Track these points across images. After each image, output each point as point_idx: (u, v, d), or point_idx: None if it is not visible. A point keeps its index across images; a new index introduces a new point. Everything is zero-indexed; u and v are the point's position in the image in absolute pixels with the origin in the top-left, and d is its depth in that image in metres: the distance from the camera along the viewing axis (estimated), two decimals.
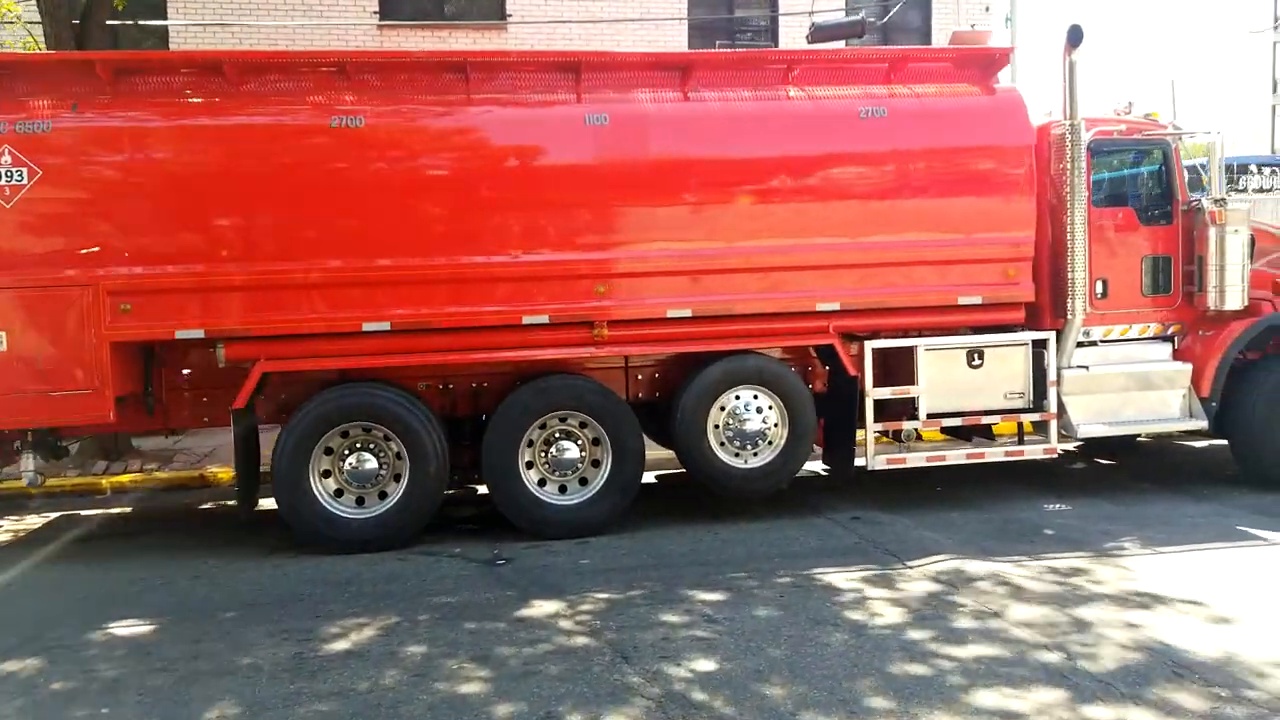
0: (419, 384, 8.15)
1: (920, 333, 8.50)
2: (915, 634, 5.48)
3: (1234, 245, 8.65)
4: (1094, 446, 10.42)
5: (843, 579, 6.52)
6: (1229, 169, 23.67)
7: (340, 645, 5.52)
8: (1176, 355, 8.94)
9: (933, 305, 8.29)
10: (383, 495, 7.69)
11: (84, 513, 9.24)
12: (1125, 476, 9.71)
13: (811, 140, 8.10)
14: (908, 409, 8.45)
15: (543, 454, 7.91)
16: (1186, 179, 8.92)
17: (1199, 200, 8.69)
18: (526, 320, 7.73)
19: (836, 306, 8.12)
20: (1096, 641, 5.33)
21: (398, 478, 7.65)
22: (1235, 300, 8.68)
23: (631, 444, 7.91)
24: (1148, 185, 9.06)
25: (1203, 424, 8.71)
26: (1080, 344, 8.75)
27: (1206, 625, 5.55)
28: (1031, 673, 4.95)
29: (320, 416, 7.53)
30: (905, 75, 8.41)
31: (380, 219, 7.51)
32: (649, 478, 9.53)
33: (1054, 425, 8.54)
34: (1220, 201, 8.60)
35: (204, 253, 7.37)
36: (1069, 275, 8.48)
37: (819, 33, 11.79)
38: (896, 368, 8.48)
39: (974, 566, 6.73)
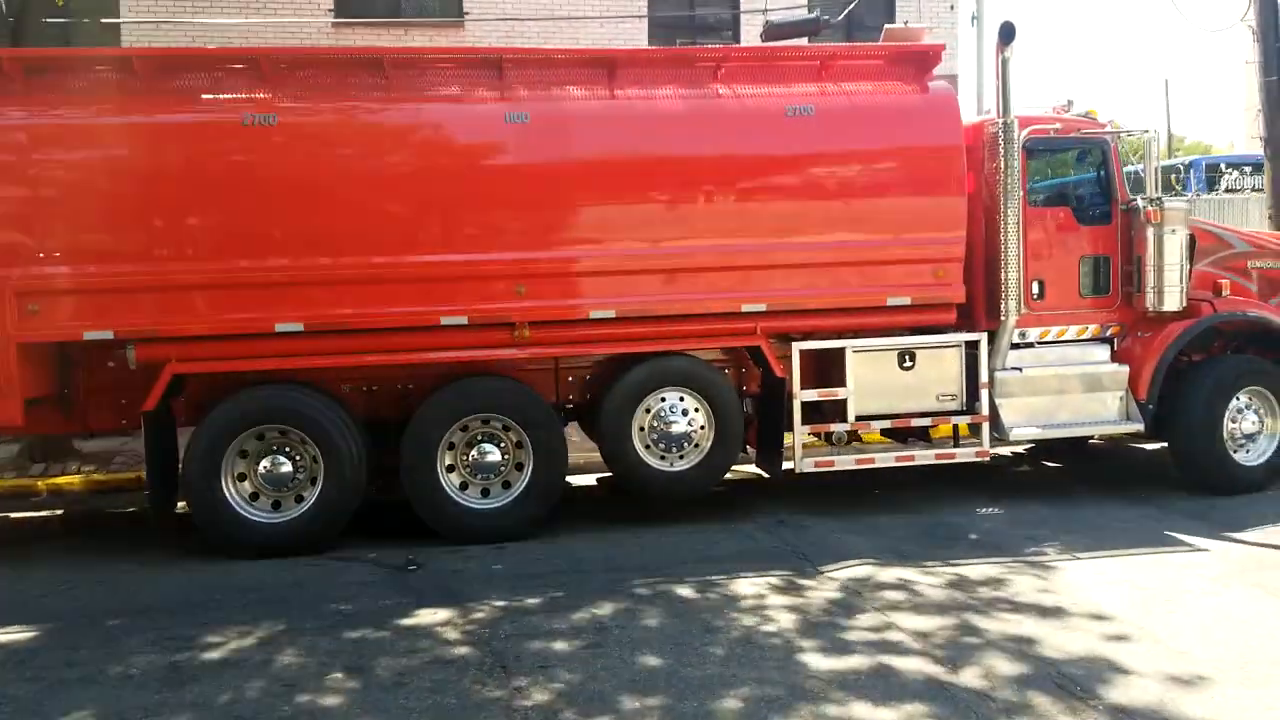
0: (343, 386, 8.06)
1: (856, 334, 8.37)
2: (803, 643, 5.37)
3: (1172, 245, 8.52)
4: (1042, 449, 10.32)
5: (750, 585, 6.41)
6: (1215, 169, 23.66)
7: (217, 654, 5.42)
8: (1116, 357, 8.82)
9: (861, 306, 8.17)
10: (299, 499, 7.59)
11: (15, 515, 9.15)
12: (1067, 479, 9.59)
13: (735, 139, 7.97)
14: (842, 411, 8.34)
15: (464, 457, 7.81)
16: (1126, 178, 8.80)
17: (1136, 200, 8.56)
18: (444, 321, 7.61)
19: (763, 308, 8.00)
20: (984, 653, 5.21)
21: (314, 481, 7.55)
22: (1174, 301, 8.54)
23: (554, 447, 7.79)
24: (1087, 185, 8.93)
25: (1139, 427, 8.59)
26: (1016, 345, 8.63)
27: (1101, 639, 5.41)
28: (907, 685, 4.83)
29: (232, 419, 7.43)
30: (837, 73, 8.29)
31: (292, 218, 7.42)
32: (590, 480, 9.47)
33: (986, 428, 8.42)
34: (1155, 201, 8.47)
35: (113, 253, 7.28)
36: (1002, 276, 8.37)
37: (773, 30, 11.64)
38: (830, 369, 8.37)
39: (886, 573, 6.61)
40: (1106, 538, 7.37)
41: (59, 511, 9.31)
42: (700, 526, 7.90)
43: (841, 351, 8.24)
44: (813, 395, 8.23)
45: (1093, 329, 8.81)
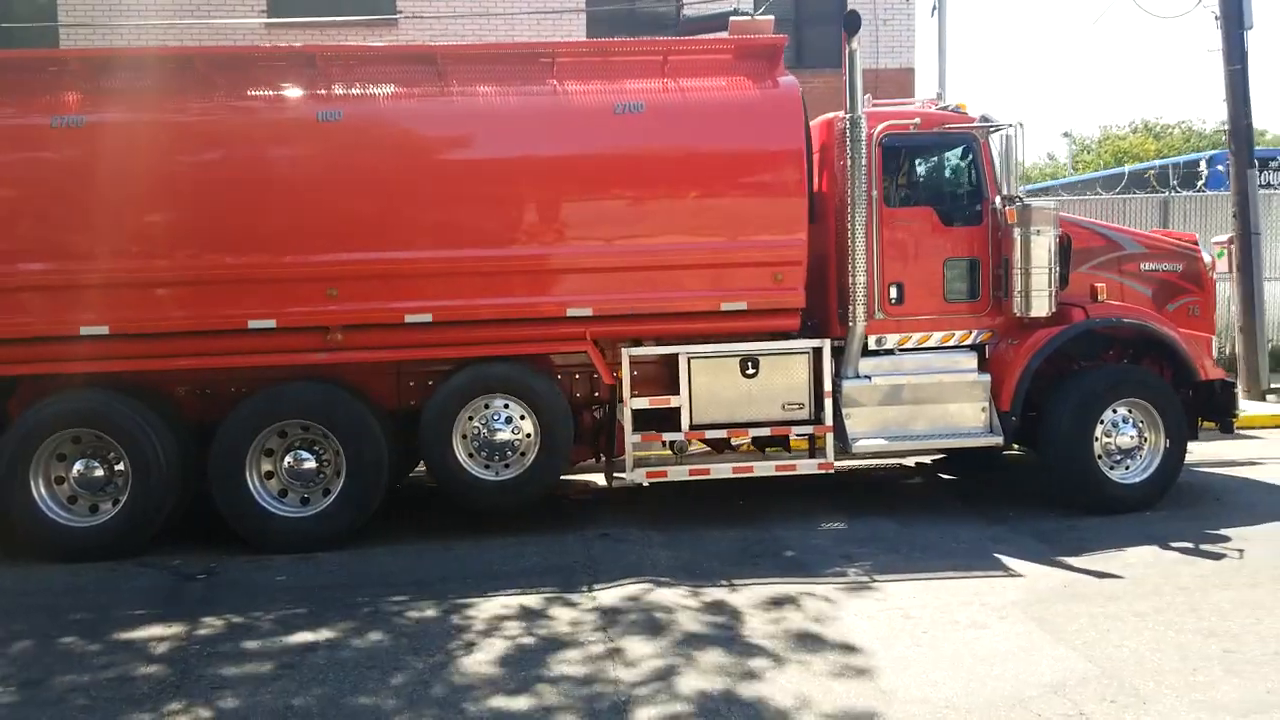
0: (179, 389, 8.01)
1: (708, 339, 8.01)
2: (490, 671, 5.11)
3: (1039, 247, 8.00)
4: (953, 461, 9.77)
5: (511, 603, 6.15)
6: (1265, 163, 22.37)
7: None
8: (987, 365, 8.32)
9: (695, 312, 7.83)
10: (117, 502, 7.55)
11: None
12: (943, 494, 9.12)
13: (558, 137, 7.69)
14: (682, 419, 8.00)
15: (282, 464, 7.68)
16: (1000, 175, 8.27)
17: (994, 200, 8.04)
18: (252, 325, 7.49)
19: (589, 312, 7.71)
20: (678, 691, 4.86)
21: (126, 485, 7.49)
22: (1041, 307, 8.03)
23: (369, 455, 7.61)
24: (953, 184, 8.44)
25: (999, 440, 8.08)
26: (874, 352, 8.21)
27: (825, 675, 5.01)
28: None
29: (39, 423, 7.42)
30: (680, 68, 7.95)
31: (97, 220, 7.35)
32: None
33: (830, 439, 8.01)
34: (1012, 199, 7.95)
35: None
36: (850, 280, 7.96)
37: (687, 25, 11.34)
38: (671, 377, 8.04)
39: (659, 593, 6.29)
40: (928, 558, 6.93)
41: None
42: (522, 538, 7.65)
43: (676, 358, 7.92)
44: (644, 403, 7.92)
45: (960, 335, 8.32)
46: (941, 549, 7.17)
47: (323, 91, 7.60)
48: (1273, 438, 11.20)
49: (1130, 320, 8.18)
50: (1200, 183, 20.55)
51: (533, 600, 6.22)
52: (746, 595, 6.23)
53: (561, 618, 5.89)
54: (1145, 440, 8.14)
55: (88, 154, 7.36)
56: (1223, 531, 7.34)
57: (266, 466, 7.69)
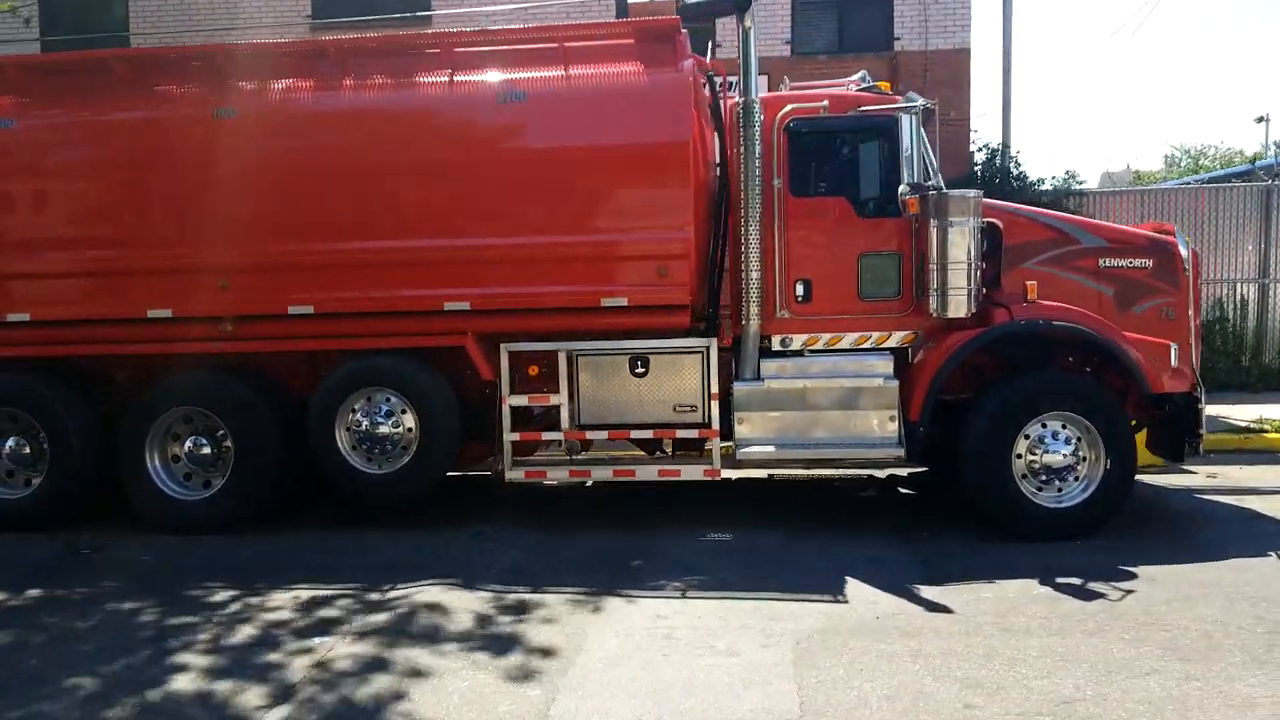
0: (119, 374, 8.48)
1: (604, 336, 7.70)
2: (183, 659, 5.13)
3: (957, 241, 7.23)
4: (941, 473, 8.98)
5: (301, 597, 6.15)
6: None
7: None
8: (906, 370, 7.61)
9: (578, 307, 7.54)
10: (28, 483, 8.11)
11: None
12: (882, 509, 8.42)
13: (440, 129, 7.60)
14: (572, 417, 7.75)
15: (185, 448, 7.99)
16: (927, 163, 7.53)
17: (904, 188, 7.29)
18: (151, 314, 7.81)
19: (466, 307, 7.58)
20: (330, 692, 4.73)
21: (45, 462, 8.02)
22: (960, 307, 7.27)
23: (252, 443, 7.80)
24: (870, 172, 7.70)
25: (899, 453, 7.35)
26: (780, 354, 7.67)
27: (499, 693, 4.73)
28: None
29: None
30: (578, 55, 7.67)
31: (8, 218, 7.89)
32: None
33: (716, 444, 7.53)
34: (917, 188, 7.20)
35: None
36: (743, 276, 7.47)
37: (688, 10, 10.93)
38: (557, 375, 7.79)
39: (452, 596, 6.12)
40: (768, 578, 6.35)
41: None
42: (395, 533, 7.63)
43: (555, 354, 7.67)
44: (522, 400, 7.72)
45: (878, 337, 7.64)
46: (799, 567, 6.59)
47: (218, 88, 7.82)
48: None
49: (1061, 323, 7.23)
50: None
51: (322, 595, 6.18)
52: (536, 602, 5.95)
53: (322, 615, 5.84)
54: (1083, 459, 7.20)
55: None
56: (1138, 569, 6.36)
57: (174, 450, 8.02)
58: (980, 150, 14.03)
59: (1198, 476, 9.21)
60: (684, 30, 7.66)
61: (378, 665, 5.09)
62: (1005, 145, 14.11)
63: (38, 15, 14.48)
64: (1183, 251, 7.66)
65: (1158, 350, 7.24)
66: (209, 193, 7.70)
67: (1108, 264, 7.63)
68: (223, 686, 4.86)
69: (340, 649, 5.32)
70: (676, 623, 5.57)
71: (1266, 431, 10.53)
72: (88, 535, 7.80)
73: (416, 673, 4.98)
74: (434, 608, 5.91)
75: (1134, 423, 7.93)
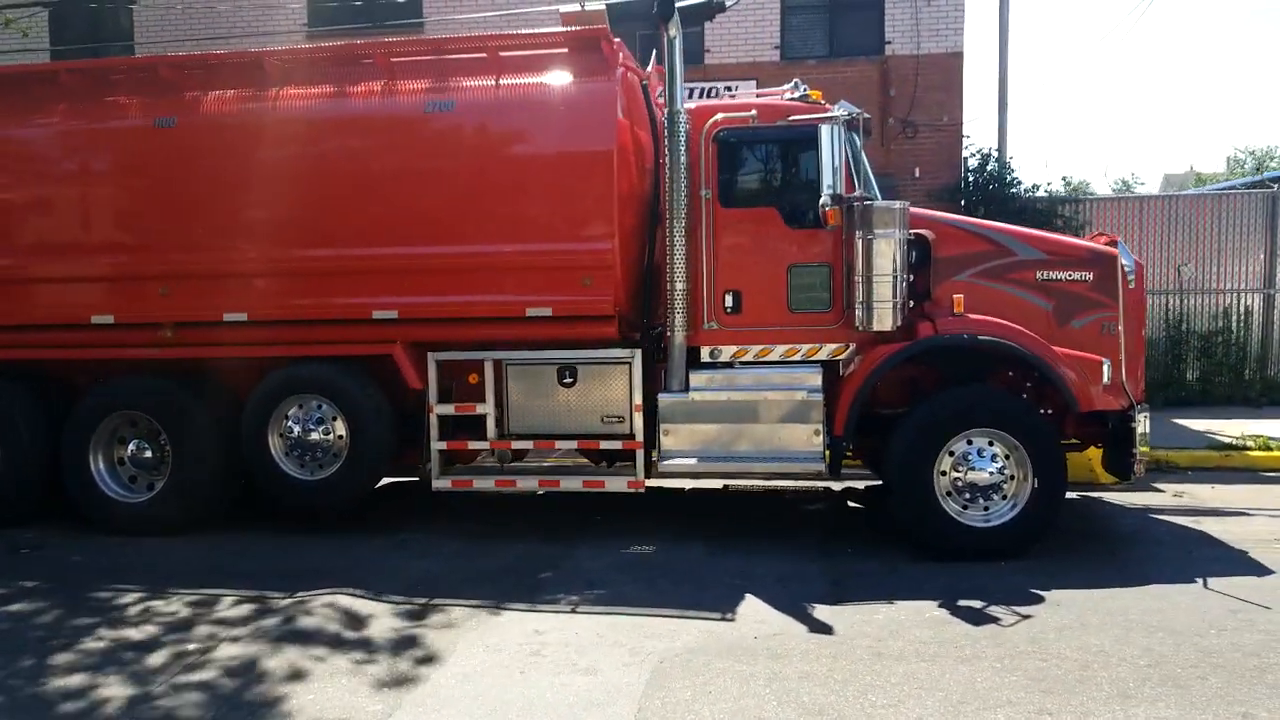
0: (80, 377, 8.66)
1: (534, 346, 7.70)
2: (62, 660, 5.23)
3: (883, 252, 7.10)
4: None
5: (203, 600, 6.23)
6: None
7: None
8: (836, 383, 7.48)
9: (503, 317, 7.55)
10: None
11: None
12: (816, 522, 8.26)
13: (367, 139, 7.65)
14: (500, 426, 7.76)
15: (128, 451, 8.16)
16: (858, 173, 7.40)
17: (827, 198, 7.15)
18: (94, 319, 7.99)
19: (394, 315, 7.63)
20: (174, 693, 4.78)
21: None
22: (885, 320, 7.13)
23: (189, 448, 7.93)
24: (799, 182, 7.58)
25: (819, 467, 7.23)
26: (710, 365, 7.59)
27: (345, 707, 4.75)
28: None
29: None
30: (511, 64, 7.69)
31: None
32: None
33: (639, 456, 7.48)
34: (839, 199, 7.06)
35: None
36: (667, 287, 7.41)
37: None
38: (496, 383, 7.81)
39: (347, 603, 6.15)
40: (667, 594, 6.26)
41: None
42: (324, 539, 7.71)
43: (482, 364, 7.68)
44: (449, 409, 7.74)
45: (808, 349, 7.52)
46: (703, 582, 6.51)
47: (156, 99, 7.96)
48: None
49: (987, 337, 7.05)
50: None
51: (228, 598, 6.27)
52: (429, 613, 5.97)
53: (220, 616, 5.92)
54: (1010, 478, 7.02)
55: None
56: (1049, 593, 6.16)
57: (119, 453, 8.19)
58: (973, 156, 13.75)
59: (1164, 495, 8.94)
60: (616, 39, 7.62)
61: (245, 669, 5.15)
62: (1000, 151, 13.81)
63: (47, 27, 14.92)
64: (1125, 263, 7.42)
65: (1089, 366, 7.02)
66: (149, 201, 7.86)
67: (1046, 276, 7.42)
68: (82, 681, 4.95)
69: (222, 651, 5.38)
70: (550, 639, 5.53)
71: (1249, 449, 10.16)
72: (32, 534, 8.01)
73: (281, 677, 5.03)
74: (329, 614, 5.96)
75: (1076, 440, 7.78)
